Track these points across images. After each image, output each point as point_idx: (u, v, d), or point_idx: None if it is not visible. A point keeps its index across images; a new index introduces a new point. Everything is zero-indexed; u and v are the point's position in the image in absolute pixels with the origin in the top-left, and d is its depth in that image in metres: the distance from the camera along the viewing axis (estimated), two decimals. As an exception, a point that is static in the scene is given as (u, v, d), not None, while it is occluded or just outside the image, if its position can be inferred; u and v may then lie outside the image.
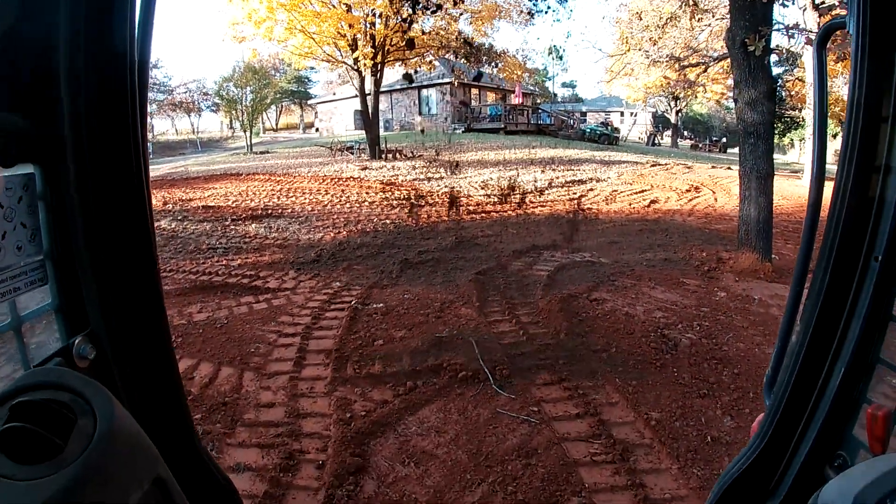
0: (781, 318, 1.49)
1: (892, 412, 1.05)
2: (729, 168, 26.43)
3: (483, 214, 13.21)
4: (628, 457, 4.08)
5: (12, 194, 1.01)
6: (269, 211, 13.59)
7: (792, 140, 53.22)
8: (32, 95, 1.02)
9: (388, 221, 12.28)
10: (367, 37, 24.33)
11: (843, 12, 1.20)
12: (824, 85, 1.40)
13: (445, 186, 17.18)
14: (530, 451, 4.14)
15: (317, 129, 57.35)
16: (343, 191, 16.43)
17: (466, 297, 7.10)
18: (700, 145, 51.34)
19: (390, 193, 15.79)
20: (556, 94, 78.52)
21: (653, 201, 16.19)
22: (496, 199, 15.20)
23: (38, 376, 0.82)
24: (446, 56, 29.57)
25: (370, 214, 13.08)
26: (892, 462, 0.83)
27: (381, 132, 40.96)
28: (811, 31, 9.06)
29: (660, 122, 56.62)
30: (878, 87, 1.12)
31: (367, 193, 15.89)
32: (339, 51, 25.44)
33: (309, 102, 64.31)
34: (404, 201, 14.60)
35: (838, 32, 1.29)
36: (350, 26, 23.66)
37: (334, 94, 52.66)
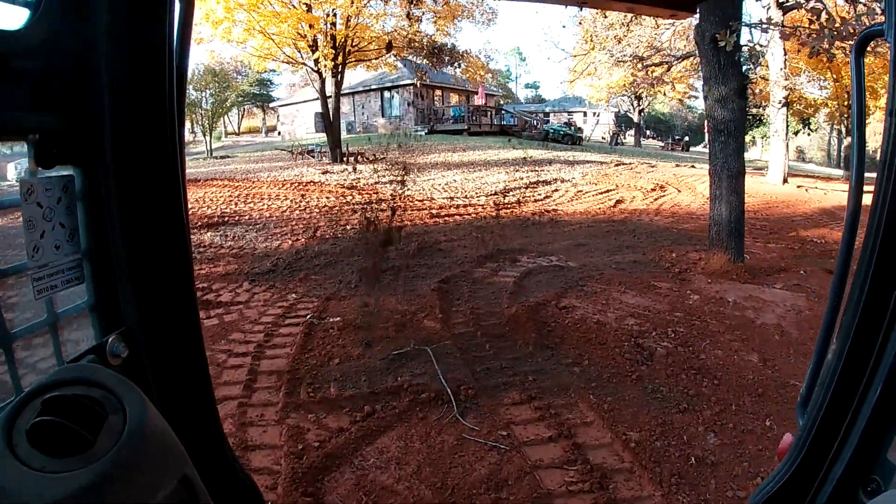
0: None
1: None
2: (692, 166, 26.55)
3: (446, 218, 12.82)
4: (607, 484, 3.75)
5: (52, 195, 1.04)
6: (226, 218, 13.01)
7: (754, 137, 53.90)
8: (72, 97, 1.03)
9: (348, 227, 11.81)
10: (328, 37, 23.75)
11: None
12: (862, 92, 1.33)
13: (408, 189, 16.75)
14: (500, 483, 3.76)
15: (279, 133, 56.36)
16: (303, 196, 15.89)
17: (429, 308, 6.69)
18: (663, 144, 51.66)
19: (351, 198, 15.31)
20: (519, 97, 78.56)
21: (618, 201, 16.04)
22: (460, 202, 14.81)
23: (70, 372, 0.83)
24: (409, 57, 29.15)
25: (330, 220, 12.60)
26: None
27: (344, 135, 40.46)
28: (786, 28, 8.88)
29: (622, 121, 56.90)
30: None
31: (327, 198, 15.38)
32: (300, 52, 24.79)
33: (270, 105, 63.17)
34: (365, 206, 14.14)
35: (876, 40, 1.23)
36: (310, 26, 23.03)
37: (296, 96, 51.84)
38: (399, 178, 18.59)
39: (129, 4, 1.05)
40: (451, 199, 15.46)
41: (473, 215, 13.27)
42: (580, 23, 28.27)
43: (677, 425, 4.50)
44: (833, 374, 1.22)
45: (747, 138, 53.79)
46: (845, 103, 30.18)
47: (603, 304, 6.91)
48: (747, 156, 47.19)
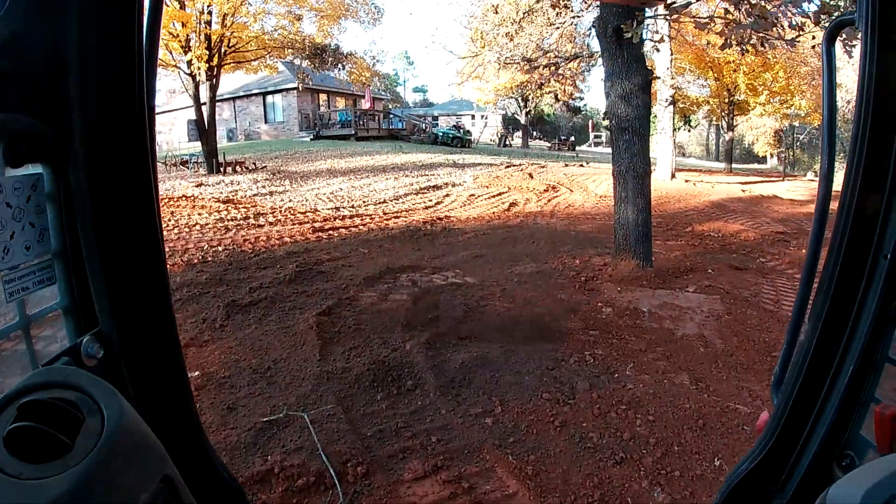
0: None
1: None
2: (581, 165, 26.76)
3: (330, 232, 11.65)
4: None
5: (21, 194, 1.03)
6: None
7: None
8: (42, 96, 1.01)
9: (219, 248, 10.43)
10: (202, 37, 21.87)
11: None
12: (833, 82, 1.35)
13: (290, 201, 15.47)
14: None
15: (155, 142, 52.74)
16: (172, 213, 14.19)
17: (305, 351, 5.60)
18: (550, 145, 52.51)
19: (226, 213, 13.81)
20: (407, 101, 78.04)
21: (512, 204, 15.55)
22: (346, 213, 13.73)
23: (45, 375, 0.82)
24: (289, 58, 27.62)
25: (200, 240, 11.14)
26: None
27: (224, 143, 38.24)
28: (701, 18, 8.50)
29: (510, 123, 57.36)
30: (887, 83, 1.11)
31: (199, 215, 13.80)
32: (172, 53, 22.69)
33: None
34: (241, 221, 12.78)
35: (847, 28, 1.32)
36: (183, 24, 21.11)
37: (175, 103, 48.71)
38: (284, 190, 17.28)
39: (98, 1, 1.03)
40: (337, 209, 14.33)
41: (361, 227, 12.18)
42: (471, 17, 27.69)
43: (617, 482, 3.71)
44: (806, 353, 1.29)
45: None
46: (725, 100, 31.39)
47: (515, 332, 6.10)
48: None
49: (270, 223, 12.65)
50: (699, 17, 8.47)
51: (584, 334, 6.17)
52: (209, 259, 9.66)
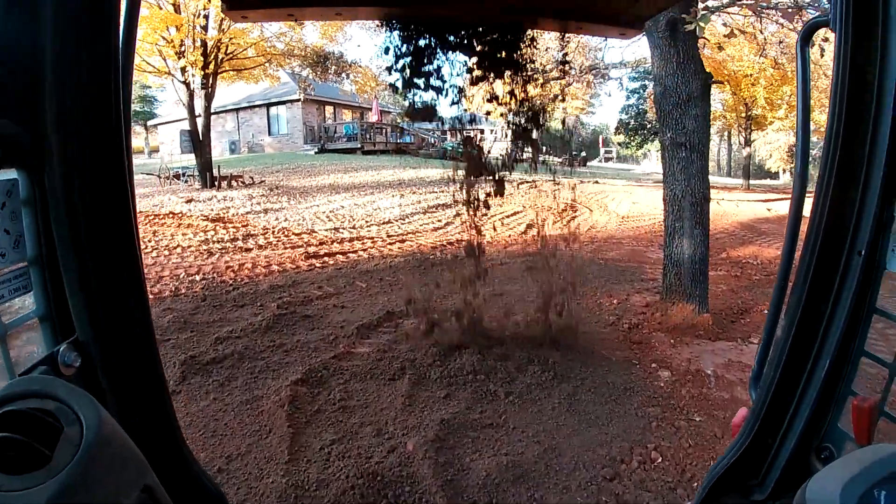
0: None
1: (876, 404, 1.13)
2: (596, 182, 25.47)
3: (325, 258, 10.18)
4: None
5: None
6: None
7: (648, 151, 54.74)
8: (15, 100, 1.01)
9: (197, 278, 9.00)
10: (197, 42, 20.54)
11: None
12: (807, 83, 1.37)
13: (285, 220, 14.08)
14: None
15: (158, 154, 51.81)
16: (154, 233, 12.75)
17: (271, 445, 4.11)
18: (560, 161, 51.37)
19: (213, 233, 12.39)
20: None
21: (529, 225, 14.16)
22: (345, 235, 12.30)
23: (23, 385, 0.81)
24: (290, 67, 26.38)
25: (177, 267, 9.69)
26: (879, 453, 0.85)
27: (226, 155, 37.15)
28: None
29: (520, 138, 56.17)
30: (860, 84, 1.13)
31: (183, 235, 12.39)
32: (166, 60, 21.33)
33: (149, 124, 58.25)
34: (227, 244, 11.35)
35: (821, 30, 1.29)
36: (177, 29, 19.78)
37: (179, 114, 47.63)
38: (280, 207, 15.91)
39: (76, 6, 1.03)
40: (336, 230, 12.92)
41: (360, 253, 10.71)
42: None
43: None
44: (783, 349, 1.30)
45: (639, 151, 55.04)
46: (742, 115, 30.30)
47: (550, 426, 4.61)
48: (642, 168, 48.12)
49: (260, 246, 11.26)
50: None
51: (642, 414, 4.72)
52: (182, 292, 8.23)
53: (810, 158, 1.47)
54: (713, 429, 4.59)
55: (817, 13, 6.62)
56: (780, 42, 17.22)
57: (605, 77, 28.12)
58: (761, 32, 17.53)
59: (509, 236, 12.83)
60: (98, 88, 1.08)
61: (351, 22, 23.76)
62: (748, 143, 33.07)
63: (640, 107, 49.09)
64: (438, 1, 2.18)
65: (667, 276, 6.94)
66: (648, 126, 48.46)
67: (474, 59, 4.85)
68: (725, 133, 41.95)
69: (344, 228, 13.14)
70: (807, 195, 1.38)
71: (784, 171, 40.43)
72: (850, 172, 1.15)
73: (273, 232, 12.66)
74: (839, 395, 1.22)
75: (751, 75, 25.79)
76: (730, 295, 8.45)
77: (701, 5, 6.52)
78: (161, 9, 19.59)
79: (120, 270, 1.17)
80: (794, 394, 1.28)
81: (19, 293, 1.07)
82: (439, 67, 5.05)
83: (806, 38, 1.34)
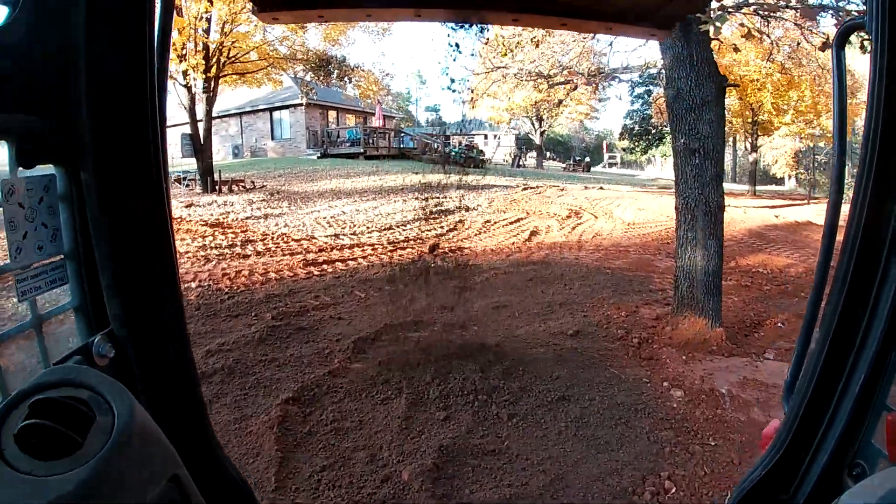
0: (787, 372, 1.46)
1: None
2: (601, 188, 25.29)
3: (324, 266, 9.90)
4: None
5: (33, 195, 1.05)
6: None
7: (652, 157, 54.56)
8: (53, 97, 1.02)
9: (192, 285, 8.73)
10: (199, 45, 20.34)
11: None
12: (843, 88, 1.31)
13: (285, 225, 13.82)
14: None
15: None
16: (151, 237, 12.55)
17: (258, 469, 3.85)
18: (565, 165, 51.33)
19: (211, 239, 12.14)
20: (419, 120, 77.10)
21: (533, 232, 14.01)
22: (346, 242, 12.04)
23: (57, 374, 0.82)
24: (293, 72, 26.21)
25: (171, 274, 9.44)
26: None
27: (229, 159, 37.00)
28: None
29: (523, 143, 56.07)
30: None
31: (181, 241, 12.13)
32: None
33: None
34: (225, 250, 11.10)
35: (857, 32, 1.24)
36: (178, 32, 19.57)
37: (177, 118, 47.57)
38: (281, 212, 15.67)
39: (110, 2, 1.04)
40: (336, 236, 12.67)
41: (360, 261, 10.44)
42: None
43: None
44: (817, 361, 1.25)
45: (643, 157, 54.90)
46: (749, 120, 30.08)
47: (557, 446, 4.34)
48: (647, 174, 47.95)
49: (258, 252, 11.00)
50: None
51: (654, 438, 4.45)
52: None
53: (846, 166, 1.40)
54: (729, 454, 4.32)
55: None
56: (797, 44, 16.91)
57: (615, 79, 27.92)
58: (768, 36, 17.29)
59: (512, 244, 12.52)
60: (133, 86, 1.08)
61: (356, 25, 23.66)
62: (754, 148, 32.79)
63: (645, 112, 48.98)
64: (464, 4, 2.00)
65: (678, 289, 6.63)
66: (653, 131, 48.36)
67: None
68: (731, 138, 41.74)
69: (344, 235, 12.90)
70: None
71: (790, 176, 40.14)
72: (887, 180, 1.11)
73: (272, 238, 12.42)
74: (874, 410, 1.16)
75: (757, 80, 25.58)
76: (741, 307, 8.17)
77: (716, 4, 6.26)
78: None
79: (154, 264, 1.18)
80: (827, 407, 1.23)
81: (56, 285, 1.10)
82: None
83: (841, 41, 1.28)
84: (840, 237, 1.27)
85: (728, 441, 4.51)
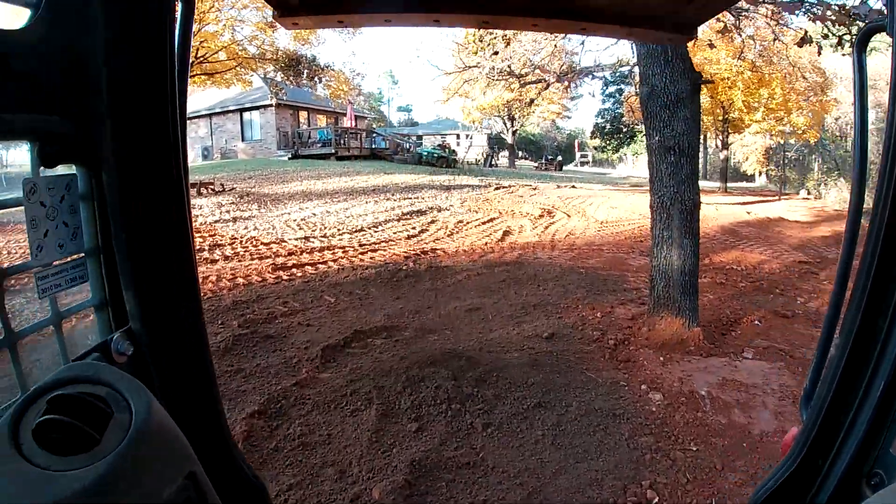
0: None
1: None
2: (573, 186, 25.32)
3: (293, 270, 9.65)
4: None
5: (55, 194, 1.06)
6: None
7: (624, 155, 54.98)
8: (74, 98, 1.03)
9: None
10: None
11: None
12: (865, 89, 1.28)
13: (254, 229, 13.51)
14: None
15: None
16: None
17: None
18: (537, 164, 51.46)
19: (176, 243, 11.81)
20: (392, 120, 76.76)
21: (506, 232, 13.89)
22: (316, 244, 11.79)
23: (75, 370, 0.83)
24: (262, 72, 25.84)
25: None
26: None
27: (199, 161, 36.46)
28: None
29: (495, 143, 56.13)
30: None
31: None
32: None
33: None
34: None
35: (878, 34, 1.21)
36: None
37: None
38: (250, 215, 15.34)
39: (131, 4, 1.06)
40: (307, 239, 12.39)
41: (331, 264, 10.19)
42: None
43: None
44: (836, 368, 1.23)
45: (615, 155, 55.34)
46: (720, 118, 30.37)
47: (534, 456, 4.18)
48: (618, 173, 48.32)
49: (226, 257, 10.69)
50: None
51: (634, 445, 4.33)
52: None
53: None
54: (711, 459, 4.22)
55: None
56: (774, 39, 16.99)
57: (589, 76, 27.91)
58: (740, 35, 17.42)
59: (485, 244, 12.37)
60: (154, 87, 1.10)
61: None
62: (725, 146, 33.15)
63: (617, 111, 49.36)
64: (483, 9, 1.94)
65: (655, 288, 6.52)
66: (624, 130, 48.80)
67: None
68: (702, 136, 42.19)
69: (315, 237, 12.63)
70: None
71: (760, 173, 40.69)
72: None
73: (241, 242, 12.11)
74: (893, 419, 1.14)
75: (728, 78, 25.82)
76: (717, 304, 8.12)
77: None
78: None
79: (173, 264, 1.19)
80: (846, 416, 1.21)
81: (76, 283, 1.11)
82: None
83: (862, 44, 1.26)
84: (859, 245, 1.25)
85: (710, 446, 4.40)
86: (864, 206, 1.32)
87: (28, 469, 0.70)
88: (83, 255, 1.12)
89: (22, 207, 1.01)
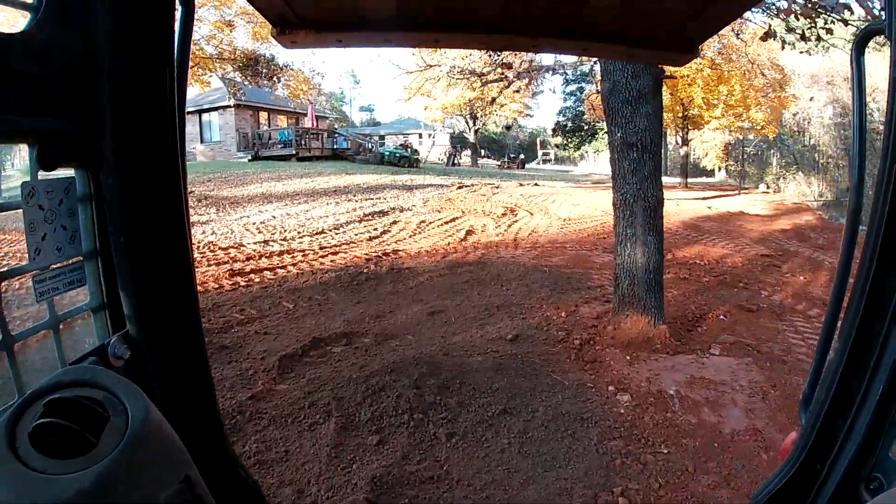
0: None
1: None
2: (536, 184, 25.35)
3: (251, 276, 9.35)
4: None
5: (53, 197, 1.07)
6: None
7: (585, 153, 55.45)
8: (74, 99, 1.04)
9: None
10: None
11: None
12: (863, 92, 1.28)
13: (212, 233, 13.15)
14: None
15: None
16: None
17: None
18: (500, 163, 51.56)
19: (130, 250, 11.41)
20: (354, 120, 76.22)
21: (469, 231, 13.78)
22: (275, 248, 11.50)
23: (72, 374, 0.84)
24: (222, 72, 25.29)
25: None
26: None
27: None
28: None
29: (458, 142, 56.14)
30: None
31: (96, 253, 11.36)
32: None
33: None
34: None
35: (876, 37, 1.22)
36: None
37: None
38: (208, 219, 14.95)
39: (131, 7, 1.06)
40: (266, 243, 12.08)
41: (290, 268, 9.92)
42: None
43: None
44: (835, 372, 1.23)
45: (576, 153, 55.80)
46: (679, 115, 30.71)
47: (500, 466, 4.03)
48: (580, 170, 48.68)
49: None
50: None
51: (603, 450, 4.22)
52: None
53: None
54: (683, 461, 4.13)
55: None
56: (738, 34, 17.12)
57: (550, 72, 27.97)
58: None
59: (448, 244, 12.22)
60: (153, 90, 1.11)
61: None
62: (685, 142, 33.58)
63: (577, 109, 49.74)
64: (485, 30, 1.92)
65: (619, 287, 6.44)
66: (585, 128, 49.23)
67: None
68: (663, 133, 42.75)
69: (274, 241, 12.32)
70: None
71: (720, 168, 41.38)
72: None
73: (198, 247, 11.72)
74: (892, 423, 1.14)
75: (688, 76, 26.11)
76: (682, 300, 8.10)
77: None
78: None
79: (171, 268, 1.19)
80: (845, 420, 1.21)
81: (74, 286, 1.12)
82: None
83: (861, 46, 1.26)
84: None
85: (680, 447, 4.32)
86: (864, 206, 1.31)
87: (24, 472, 0.70)
88: (81, 258, 1.12)
89: (20, 211, 1.01)
